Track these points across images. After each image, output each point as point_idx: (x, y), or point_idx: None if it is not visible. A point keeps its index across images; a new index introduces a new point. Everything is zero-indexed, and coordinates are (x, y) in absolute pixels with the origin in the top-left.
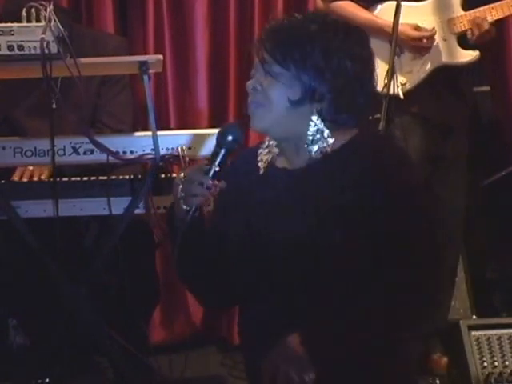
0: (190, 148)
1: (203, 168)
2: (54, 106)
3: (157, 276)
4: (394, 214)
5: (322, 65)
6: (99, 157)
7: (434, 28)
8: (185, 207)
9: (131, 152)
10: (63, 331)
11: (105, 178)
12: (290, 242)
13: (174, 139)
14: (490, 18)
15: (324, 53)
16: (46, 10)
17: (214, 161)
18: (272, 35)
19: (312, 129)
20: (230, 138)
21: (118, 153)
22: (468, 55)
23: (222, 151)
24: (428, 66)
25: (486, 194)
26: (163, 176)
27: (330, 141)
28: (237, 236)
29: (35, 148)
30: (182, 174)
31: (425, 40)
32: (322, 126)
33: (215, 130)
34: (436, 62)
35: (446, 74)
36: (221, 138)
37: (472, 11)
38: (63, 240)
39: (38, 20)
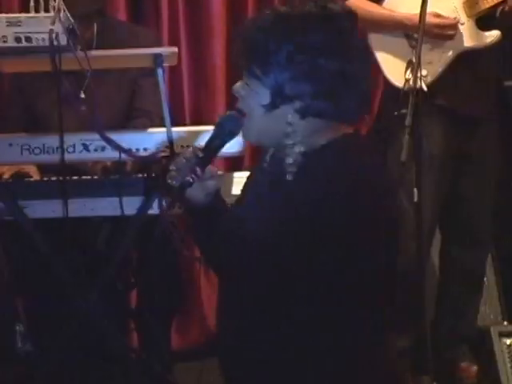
0: None
1: (196, 152)
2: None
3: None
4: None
5: (286, 65)
6: (111, 154)
7: (455, 18)
8: (169, 181)
9: (144, 149)
10: (73, 338)
11: (116, 176)
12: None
13: (190, 136)
14: None
15: (288, 54)
16: (54, 0)
17: (207, 149)
18: (241, 39)
19: (289, 129)
20: (227, 130)
21: (130, 150)
22: (489, 36)
23: (217, 142)
24: (448, 55)
25: None
26: None
27: (311, 140)
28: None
29: (43, 145)
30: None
31: (447, 29)
32: (300, 126)
33: None
34: (457, 48)
35: (467, 63)
36: (218, 129)
37: None
38: (73, 242)
39: (46, 10)
